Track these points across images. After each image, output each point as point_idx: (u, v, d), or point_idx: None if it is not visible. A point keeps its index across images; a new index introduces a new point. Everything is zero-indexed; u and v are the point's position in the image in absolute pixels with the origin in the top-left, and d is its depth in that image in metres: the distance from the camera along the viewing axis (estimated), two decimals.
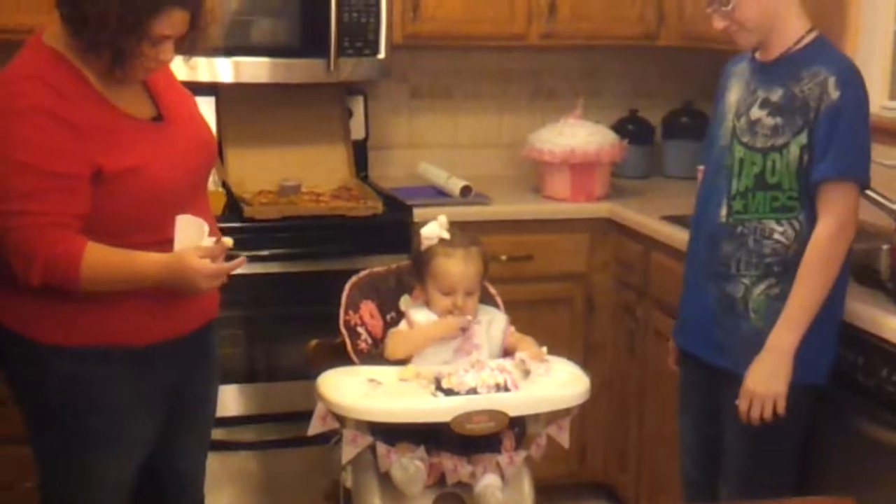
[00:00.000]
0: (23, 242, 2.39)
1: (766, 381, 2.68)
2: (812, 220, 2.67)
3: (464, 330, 2.81)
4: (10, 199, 2.39)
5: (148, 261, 2.48)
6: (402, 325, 2.87)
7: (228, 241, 2.55)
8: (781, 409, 2.68)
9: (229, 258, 2.58)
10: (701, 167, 4.03)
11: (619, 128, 4.38)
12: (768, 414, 2.69)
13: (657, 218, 3.76)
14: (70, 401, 2.56)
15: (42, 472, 2.68)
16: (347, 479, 2.87)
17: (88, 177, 2.43)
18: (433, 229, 2.88)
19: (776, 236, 2.70)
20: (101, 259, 2.44)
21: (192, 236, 2.50)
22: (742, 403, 2.71)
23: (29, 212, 2.38)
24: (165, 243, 2.51)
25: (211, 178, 3.55)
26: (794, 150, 2.66)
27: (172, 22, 2.45)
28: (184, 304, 2.63)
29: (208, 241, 2.52)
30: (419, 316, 2.84)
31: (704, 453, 2.96)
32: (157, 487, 2.81)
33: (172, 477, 2.84)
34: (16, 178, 2.38)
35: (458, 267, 2.83)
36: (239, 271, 3.44)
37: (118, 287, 2.49)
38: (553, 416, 2.82)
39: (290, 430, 3.53)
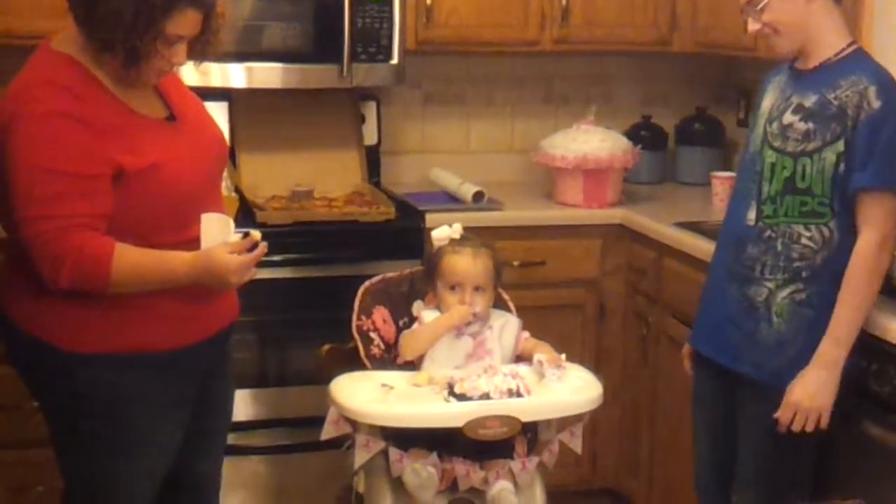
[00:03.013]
0: (51, 246, 2.39)
1: (814, 394, 2.67)
2: (843, 229, 2.67)
3: (475, 316, 2.81)
4: (36, 205, 2.39)
5: (177, 259, 2.48)
6: (415, 326, 2.87)
7: (256, 234, 2.55)
8: (825, 423, 2.68)
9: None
10: (716, 174, 4.07)
11: (631, 134, 4.37)
12: (811, 427, 2.68)
13: (670, 224, 3.75)
14: (98, 408, 2.56)
15: (67, 480, 2.67)
16: (360, 484, 2.88)
17: (110, 177, 2.43)
18: (444, 231, 2.91)
19: (804, 241, 2.70)
20: (130, 259, 2.44)
21: (219, 233, 2.51)
22: (784, 415, 2.70)
23: (55, 215, 2.38)
24: (189, 243, 2.52)
25: (224, 184, 3.58)
26: (829, 157, 2.66)
27: (186, 22, 2.46)
28: (209, 308, 2.64)
29: (235, 237, 2.52)
30: (431, 318, 2.84)
31: (717, 460, 2.95)
32: (174, 491, 2.80)
33: (192, 481, 2.84)
34: (39, 183, 2.39)
35: (465, 262, 2.84)
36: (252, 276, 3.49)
37: (148, 287, 2.49)
38: (565, 422, 2.82)
39: (303, 434, 3.53)
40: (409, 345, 2.84)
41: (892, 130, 2.61)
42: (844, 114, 2.64)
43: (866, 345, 2.71)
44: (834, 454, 2.80)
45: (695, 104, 4.55)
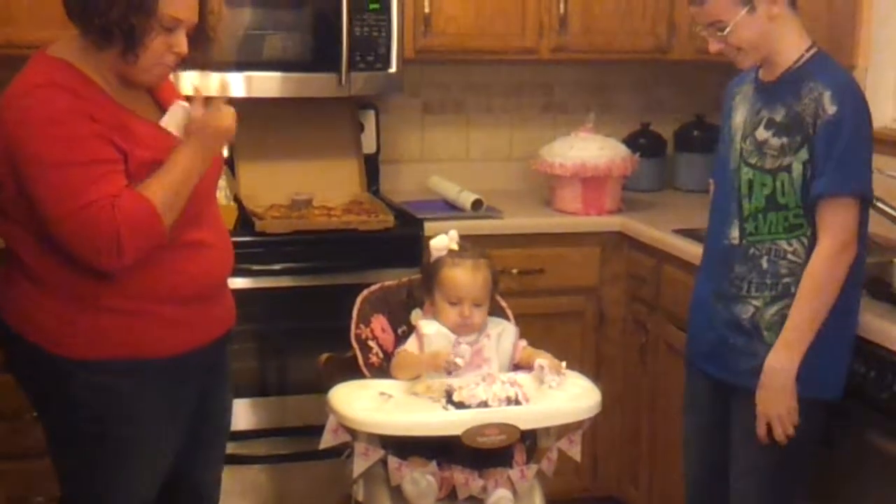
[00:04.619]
0: (100, 228, 2.39)
1: (775, 400, 2.68)
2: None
3: (448, 373, 2.76)
4: (71, 198, 2.40)
5: (178, 153, 2.51)
6: (410, 340, 2.87)
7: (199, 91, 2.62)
8: (795, 420, 2.68)
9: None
10: (712, 181, 4.05)
11: (630, 141, 4.38)
12: (790, 430, 2.69)
13: (669, 231, 3.75)
14: (97, 415, 2.56)
15: (66, 487, 2.68)
16: (359, 493, 2.88)
17: (123, 162, 2.47)
18: (442, 241, 2.90)
19: (789, 256, 2.70)
20: (156, 186, 2.46)
21: (181, 116, 2.61)
22: (760, 428, 2.71)
23: (92, 202, 2.39)
24: (189, 245, 2.55)
25: (223, 193, 3.59)
26: (797, 168, 2.66)
27: (181, 1, 2.49)
28: (205, 314, 2.65)
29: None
30: (429, 328, 2.84)
31: (708, 465, 2.95)
32: (175, 499, 2.81)
33: (191, 488, 2.85)
34: (71, 176, 2.40)
35: (466, 276, 2.84)
36: (251, 285, 3.50)
37: (184, 195, 2.50)
38: (564, 430, 2.82)
39: (302, 443, 3.53)
40: (397, 370, 2.82)
41: (848, 135, 2.60)
42: (805, 122, 2.63)
43: (865, 351, 2.71)
44: (833, 461, 2.80)
45: (693, 111, 4.55)
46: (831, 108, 2.60)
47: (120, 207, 2.40)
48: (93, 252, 2.42)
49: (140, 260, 2.47)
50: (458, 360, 2.74)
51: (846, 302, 2.68)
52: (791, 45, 2.72)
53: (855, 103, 2.64)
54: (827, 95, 2.61)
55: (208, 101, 2.58)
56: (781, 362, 2.66)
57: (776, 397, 2.68)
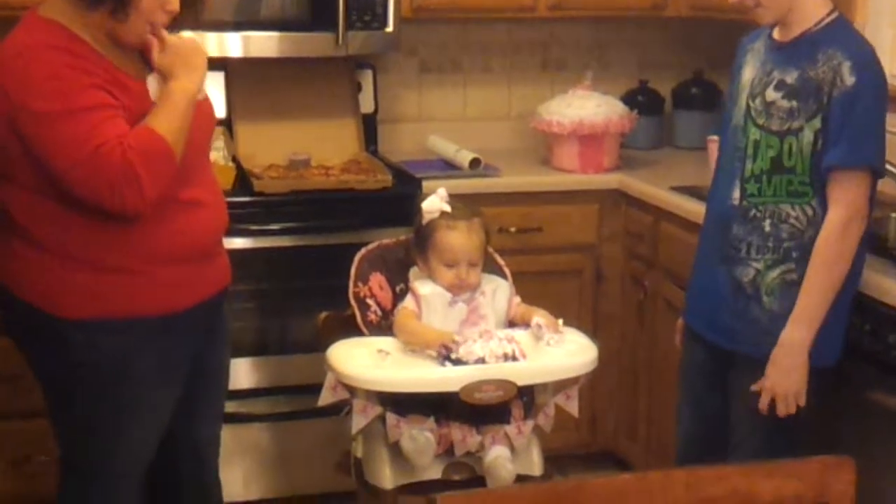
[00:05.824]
0: (115, 165, 2.40)
1: (785, 378, 2.66)
2: (825, 206, 2.64)
3: (446, 347, 2.75)
4: (81, 145, 2.40)
5: (164, 93, 2.53)
6: (409, 298, 2.88)
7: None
8: (802, 401, 2.68)
9: None
10: (712, 137, 4.06)
11: (628, 99, 4.37)
12: (792, 409, 2.68)
13: (667, 188, 3.76)
14: (94, 373, 2.58)
15: (64, 445, 2.70)
16: (358, 450, 2.91)
17: (122, 108, 2.48)
18: (434, 203, 2.89)
19: (791, 220, 2.68)
20: (156, 119, 2.48)
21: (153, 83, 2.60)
22: (763, 401, 2.70)
23: (101, 144, 2.39)
24: (183, 202, 2.56)
25: (221, 153, 3.59)
26: (808, 135, 2.63)
27: None
28: (201, 273, 2.66)
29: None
30: (425, 289, 2.85)
31: (704, 436, 2.94)
32: (174, 457, 2.83)
33: (190, 447, 2.87)
34: (76, 124, 2.40)
35: (461, 239, 2.84)
36: (250, 245, 3.51)
37: (186, 124, 2.52)
38: (561, 385, 2.84)
39: (302, 402, 3.54)
40: (399, 334, 2.82)
41: (865, 108, 2.58)
42: (821, 90, 2.61)
43: (861, 305, 2.72)
44: (830, 417, 2.81)
45: (691, 68, 4.54)
46: (850, 80, 2.58)
47: (129, 143, 2.41)
48: (113, 194, 2.41)
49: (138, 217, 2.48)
50: (455, 339, 2.73)
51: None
52: (812, 5, 2.68)
53: (874, 76, 2.61)
54: (847, 66, 2.58)
55: (163, 40, 2.57)
56: (796, 337, 2.65)
57: (787, 374, 2.66)
